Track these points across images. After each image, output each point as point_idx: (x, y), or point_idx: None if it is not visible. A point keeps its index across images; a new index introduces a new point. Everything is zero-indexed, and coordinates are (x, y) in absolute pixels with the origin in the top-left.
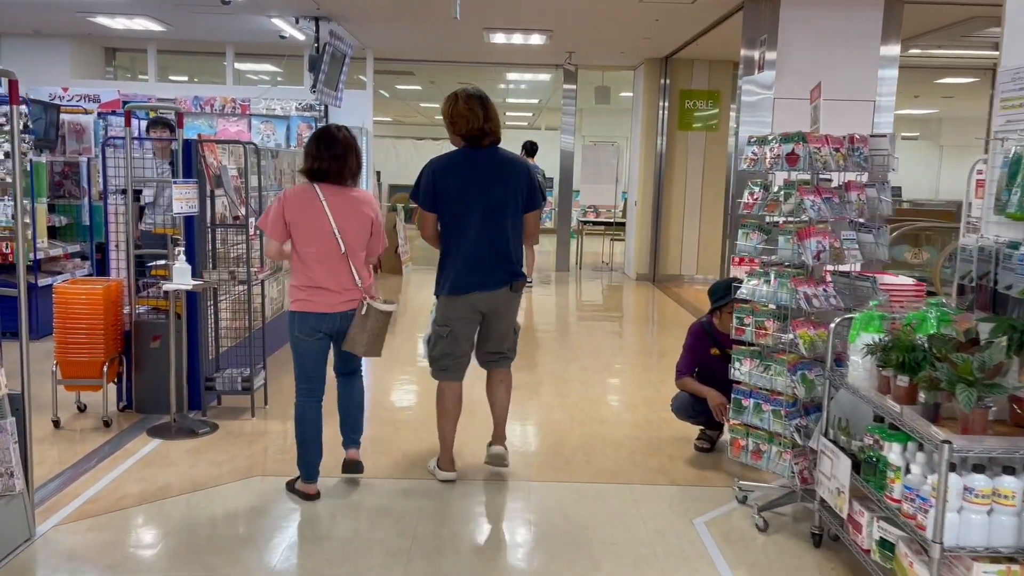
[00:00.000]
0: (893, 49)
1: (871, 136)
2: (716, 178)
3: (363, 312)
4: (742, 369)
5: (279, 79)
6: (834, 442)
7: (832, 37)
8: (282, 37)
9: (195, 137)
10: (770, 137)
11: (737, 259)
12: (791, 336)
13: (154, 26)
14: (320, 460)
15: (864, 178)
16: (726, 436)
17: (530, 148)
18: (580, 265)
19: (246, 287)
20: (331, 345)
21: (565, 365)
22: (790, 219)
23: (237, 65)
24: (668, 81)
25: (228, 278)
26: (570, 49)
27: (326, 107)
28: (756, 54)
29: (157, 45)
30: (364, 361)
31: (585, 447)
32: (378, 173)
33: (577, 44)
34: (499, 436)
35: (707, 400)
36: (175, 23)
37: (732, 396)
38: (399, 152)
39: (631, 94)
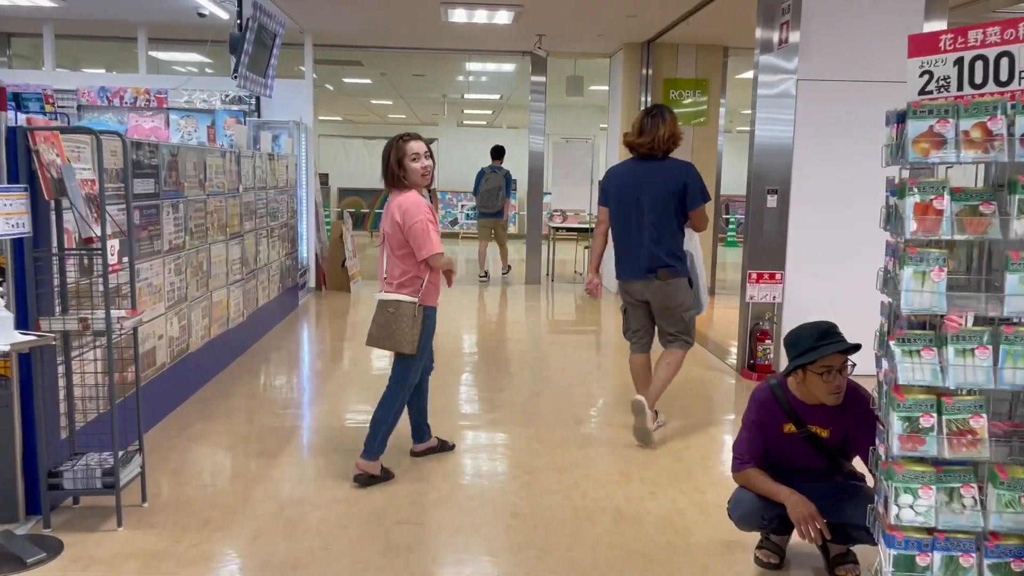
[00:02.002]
0: (939, 25)
1: None
2: (704, 178)
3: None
4: (919, 505)
5: (208, 70)
6: None
7: (866, 8)
8: (201, 15)
9: (23, 123)
10: (972, 104)
11: (755, 275)
12: None
13: (45, 1)
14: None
15: None
16: (795, 540)
17: (496, 152)
18: (552, 276)
19: (106, 338)
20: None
21: (556, 422)
22: None
23: (159, 55)
24: (650, 71)
25: (77, 327)
26: (541, 31)
27: (258, 99)
28: (775, 35)
29: (55, 28)
30: None
31: (606, 565)
32: (324, 176)
33: (550, 24)
34: (649, 406)
35: (785, 507)
36: None
37: (892, 550)
38: (348, 153)
39: (605, 88)
